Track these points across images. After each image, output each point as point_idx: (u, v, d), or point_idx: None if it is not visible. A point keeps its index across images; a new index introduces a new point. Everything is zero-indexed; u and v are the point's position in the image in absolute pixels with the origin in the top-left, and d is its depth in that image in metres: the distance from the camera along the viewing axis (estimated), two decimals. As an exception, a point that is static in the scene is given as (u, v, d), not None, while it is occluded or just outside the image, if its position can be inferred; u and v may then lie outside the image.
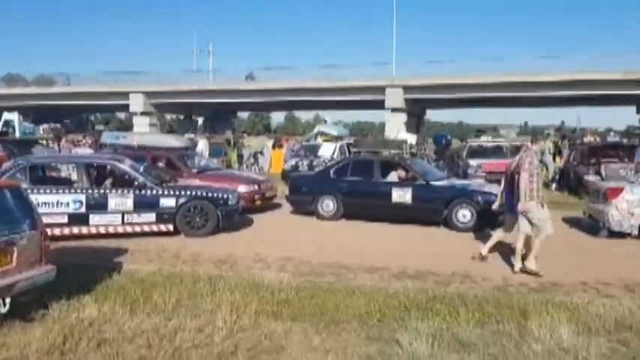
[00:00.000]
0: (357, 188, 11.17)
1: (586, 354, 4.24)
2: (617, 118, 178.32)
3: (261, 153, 25.26)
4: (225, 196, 9.63)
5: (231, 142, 25.32)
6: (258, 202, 11.94)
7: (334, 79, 44.91)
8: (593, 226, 9.83)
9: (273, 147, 26.62)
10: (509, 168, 7.63)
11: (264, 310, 5.24)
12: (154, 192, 9.27)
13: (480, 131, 22.01)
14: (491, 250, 7.80)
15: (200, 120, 59.82)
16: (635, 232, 9.06)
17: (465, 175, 16.12)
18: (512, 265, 7.14)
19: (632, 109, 49.76)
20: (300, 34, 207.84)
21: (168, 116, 75.06)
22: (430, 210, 10.44)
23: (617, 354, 4.32)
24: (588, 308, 5.31)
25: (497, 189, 10.65)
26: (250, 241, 8.95)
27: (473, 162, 16.60)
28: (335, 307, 5.32)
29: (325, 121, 40.11)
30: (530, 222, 7.09)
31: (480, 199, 10.10)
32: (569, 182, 16.12)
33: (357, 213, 11.02)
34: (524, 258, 7.09)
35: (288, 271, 6.95)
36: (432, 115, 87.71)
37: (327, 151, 19.89)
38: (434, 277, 6.72)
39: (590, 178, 13.67)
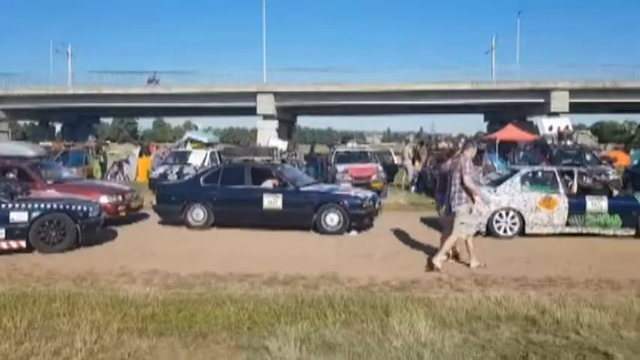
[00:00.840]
0: (228, 196, 11.07)
1: (441, 346, 4.57)
2: (468, 125, 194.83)
3: (127, 161, 24.04)
4: (84, 208, 9.05)
5: (94, 150, 23.77)
6: (122, 213, 11.37)
7: (204, 84, 44.11)
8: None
9: (140, 154, 25.50)
10: (442, 172, 8.06)
11: (128, 327, 5.01)
12: (3, 206, 8.47)
13: (346, 137, 22.86)
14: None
15: (58, 126, 55.45)
16: (484, 230, 9.97)
17: (334, 180, 16.66)
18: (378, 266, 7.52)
19: (481, 116, 54.92)
20: (165, 38, 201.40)
21: (21, 122, 68.80)
22: (300, 215, 10.65)
23: (468, 343, 4.70)
24: (443, 303, 5.73)
25: (363, 192, 11.24)
26: (114, 254, 8.51)
27: (340, 167, 17.19)
28: (204, 319, 5.23)
29: (196, 128, 39.16)
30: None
31: (346, 202, 10.50)
32: (426, 185, 17.32)
33: (229, 221, 10.93)
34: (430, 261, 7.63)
35: (155, 285, 6.71)
36: (303, 121, 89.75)
37: (198, 158, 19.45)
38: (303, 281, 6.87)
39: (445, 180, 14.78)
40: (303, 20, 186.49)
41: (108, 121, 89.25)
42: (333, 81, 43.15)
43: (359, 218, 10.53)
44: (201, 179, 11.56)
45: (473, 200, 7.58)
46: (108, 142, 40.80)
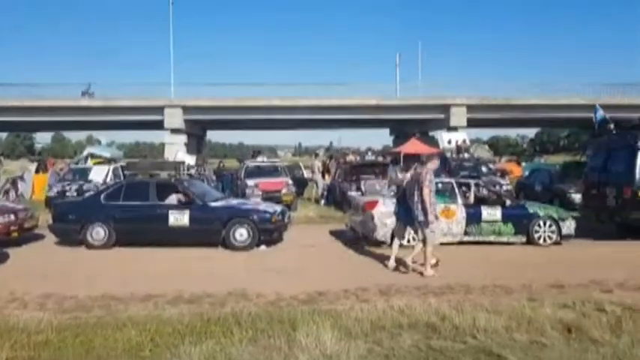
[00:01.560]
0: (132, 213, 10.66)
1: (346, 357, 4.64)
2: (375, 139, 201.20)
3: (22, 178, 22.46)
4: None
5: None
6: (14, 234, 10.60)
7: (109, 98, 42.34)
8: (354, 236, 10.88)
9: (37, 171, 23.91)
10: (401, 184, 8.58)
11: (18, 356, 4.68)
12: None
13: (256, 152, 22.79)
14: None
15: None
16: (388, 241, 10.27)
17: (244, 195, 16.54)
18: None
19: (387, 130, 56.84)
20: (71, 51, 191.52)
21: None
22: (208, 231, 10.45)
23: (372, 353, 4.80)
24: (349, 314, 5.82)
25: (273, 207, 11.23)
26: (3, 278, 7.89)
27: (250, 181, 17.10)
28: (103, 344, 4.97)
29: (99, 142, 37.45)
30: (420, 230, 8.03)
31: (255, 217, 10.44)
32: (335, 198, 17.64)
33: (132, 240, 10.51)
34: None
35: (49, 309, 6.30)
36: (214, 136, 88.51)
37: (99, 174, 18.58)
38: (210, 299, 6.72)
39: (352, 193, 15.14)
40: (212, 35, 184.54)
41: (1, 135, 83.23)
42: (243, 96, 43.01)
43: (268, 232, 10.50)
44: (102, 196, 11.04)
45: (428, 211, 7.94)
46: (1, 157, 37.92)
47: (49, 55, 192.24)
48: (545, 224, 10.55)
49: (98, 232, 10.52)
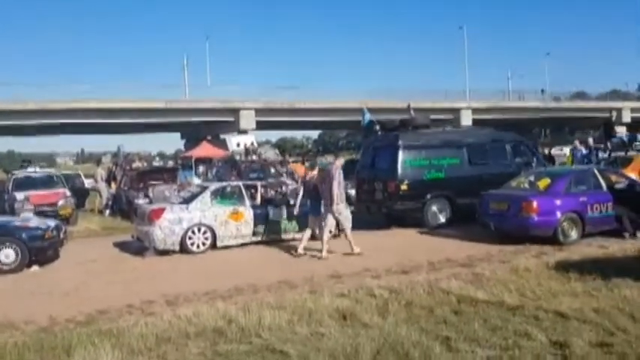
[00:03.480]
0: None
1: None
2: (166, 143, 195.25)
3: None
4: None
5: None
6: None
7: None
8: (141, 247, 10.42)
9: None
10: (308, 181, 10.58)
11: None
12: None
13: (25, 161, 20.28)
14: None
15: None
16: (177, 248, 10.08)
17: (12, 210, 14.66)
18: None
19: (178, 134, 55.61)
20: None
21: None
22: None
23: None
24: (132, 330, 5.56)
25: (45, 222, 10.15)
26: None
27: (19, 195, 15.21)
28: None
29: None
30: (336, 219, 9.55)
31: (24, 235, 9.34)
32: (122, 207, 16.65)
33: None
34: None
35: None
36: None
37: None
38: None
39: (140, 201, 14.44)
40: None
41: None
42: (11, 98, 38.10)
43: (40, 251, 9.48)
44: None
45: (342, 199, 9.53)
46: None
47: None
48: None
49: None
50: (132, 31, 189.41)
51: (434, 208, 12.10)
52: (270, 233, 10.94)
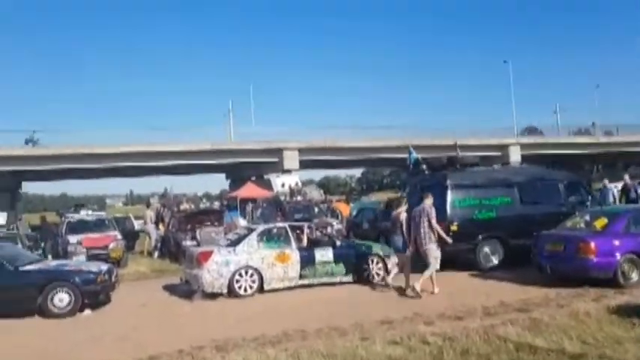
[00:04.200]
0: None
1: None
2: (212, 184, 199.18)
3: None
4: None
5: None
6: None
7: None
8: (190, 290, 10.46)
9: None
10: (395, 217, 10.40)
11: None
12: None
13: (78, 204, 20.97)
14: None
15: None
16: (225, 291, 10.07)
17: (66, 254, 15.09)
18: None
19: (223, 175, 56.61)
20: None
21: None
22: (20, 299, 9.28)
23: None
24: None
25: (97, 266, 10.35)
26: None
27: (72, 238, 15.66)
28: None
29: None
30: (426, 257, 9.68)
31: (77, 279, 9.53)
32: (170, 249, 16.88)
33: None
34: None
35: None
36: (31, 187, 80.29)
37: None
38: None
39: (188, 243, 14.64)
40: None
41: None
42: (61, 142, 39.80)
43: (93, 295, 9.64)
44: None
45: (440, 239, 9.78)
46: None
47: None
48: (372, 262, 11.17)
49: None
50: (180, 76, 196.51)
51: (486, 249, 11.74)
52: (317, 276, 10.82)
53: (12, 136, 41.49)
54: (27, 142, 40.36)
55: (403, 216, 10.27)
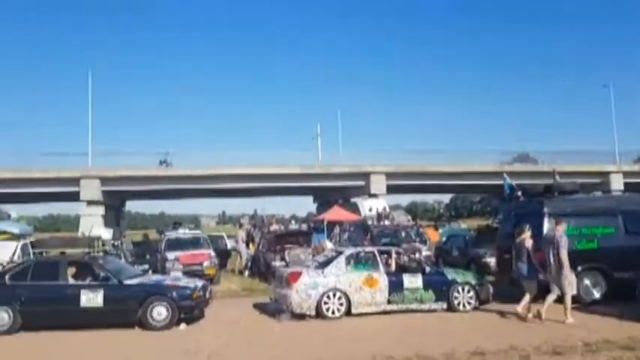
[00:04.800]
0: (40, 294, 9.90)
1: None
2: (299, 206, 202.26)
3: None
4: None
5: None
6: None
7: (19, 169, 40.24)
8: (279, 310, 10.67)
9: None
10: (519, 244, 10.05)
11: None
12: None
13: (176, 223, 22.09)
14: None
15: None
16: (313, 313, 10.18)
17: (164, 269, 15.93)
18: None
19: (310, 198, 57.47)
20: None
21: None
22: (123, 311, 9.87)
23: None
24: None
25: (193, 282, 10.83)
26: None
27: (170, 255, 16.51)
28: None
29: (9, 216, 35.19)
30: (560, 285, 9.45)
31: (174, 294, 10.02)
32: (260, 268, 17.34)
33: (40, 323, 9.73)
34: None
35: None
36: (133, 206, 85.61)
37: (6, 252, 17.25)
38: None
39: (277, 263, 14.98)
40: (130, 102, 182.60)
41: None
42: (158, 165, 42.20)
43: (189, 310, 10.08)
44: (7, 277, 10.23)
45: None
46: None
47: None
48: (463, 290, 10.86)
49: (2, 317, 9.67)
50: (270, 102, 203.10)
51: (586, 281, 11.04)
52: (405, 302, 10.67)
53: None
54: (161, 163, 42.66)
55: (529, 243, 9.98)
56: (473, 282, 11.02)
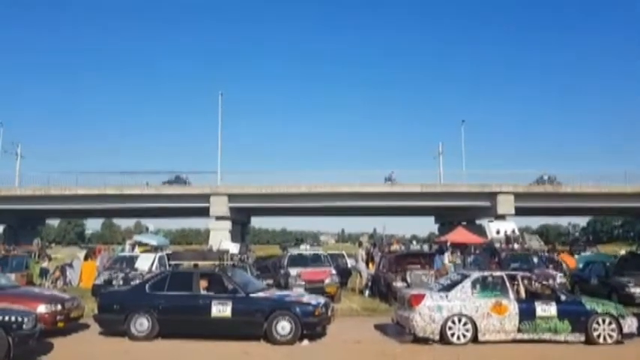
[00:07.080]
0: (175, 303, 10.58)
1: None
2: (419, 227, 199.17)
3: (71, 265, 22.97)
4: (19, 318, 8.43)
5: (36, 254, 22.55)
6: (60, 324, 10.66)
7: (158, 185, 43.99)
8: (401, 332, 10.43)
9: (86, 258, 24.43)
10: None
11: None
12: None
13: (299, 239, 22.70)
14: None
15: (0, 228, 53.13)
16: (437, 337, 9.81)
17: (286, 285, 16.32)
18: None
19: (431, 218, 56.14)
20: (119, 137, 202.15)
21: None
22: (250, 323, 10.21)
23: None
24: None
25: (316, 298, 10.94)
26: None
27: (293, 271, 16.90)
28: None
29: (147, 229, 38.31)
30: None
31: (298, 310, 10.16)
32: (380, 288, 17.13)
33: (175, 331, 10.39)
34: None
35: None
36: (257, 221, 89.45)
37: (146, 263, 18.77)
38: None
39: (398, 284, 14.71)
40: (259, 123, 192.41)
41: (54, 222, 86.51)
42: (287, 183, 43.70)
43: (311, 326, 10.18)
44: (147, 286, 11.06)
45: None
46: (52, 245, 39.11)
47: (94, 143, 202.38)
48: (604, 322, 9.90)
49: (142, 323, 10.46)
50: (391, 122, 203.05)
51: None
52: (537, 332, 9.93)
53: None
54: (386, 180, 43.83)
55: None
56: (615, 313, 10.00)
